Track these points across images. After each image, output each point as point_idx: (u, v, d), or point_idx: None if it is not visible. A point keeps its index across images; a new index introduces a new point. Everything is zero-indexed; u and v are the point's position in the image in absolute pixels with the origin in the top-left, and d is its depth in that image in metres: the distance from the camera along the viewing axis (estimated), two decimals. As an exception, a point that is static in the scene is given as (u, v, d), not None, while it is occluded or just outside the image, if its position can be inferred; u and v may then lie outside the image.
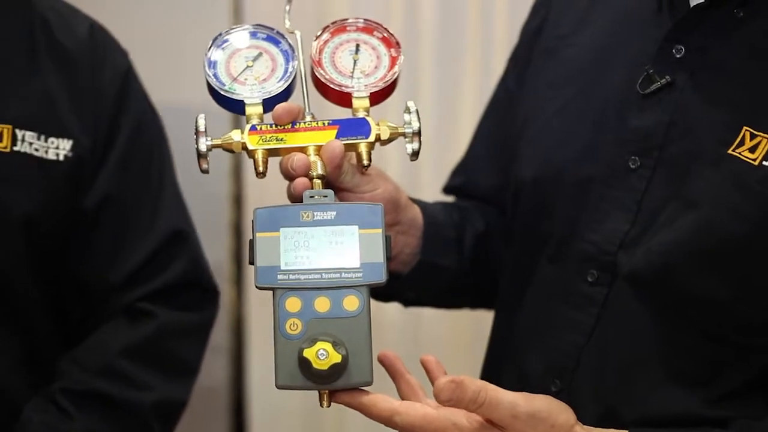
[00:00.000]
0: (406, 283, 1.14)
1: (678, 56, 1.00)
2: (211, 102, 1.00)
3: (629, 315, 0.98)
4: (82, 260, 1.22)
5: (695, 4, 0.99)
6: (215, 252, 2.27)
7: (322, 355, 0.83)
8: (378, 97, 0.98)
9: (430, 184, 2.13)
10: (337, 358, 0.83)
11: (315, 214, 0.89)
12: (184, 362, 1.28)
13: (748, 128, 0.94)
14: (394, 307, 2.13)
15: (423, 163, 2.13)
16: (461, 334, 2.19)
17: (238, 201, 2.27)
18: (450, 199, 1.32)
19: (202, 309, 1.31)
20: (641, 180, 0.99)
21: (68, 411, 1.17)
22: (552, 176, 1.07)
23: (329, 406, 0.88)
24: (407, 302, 1.23)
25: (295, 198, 0.93)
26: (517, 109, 1.17)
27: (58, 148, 1.18)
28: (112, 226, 1.23)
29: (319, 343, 0.84)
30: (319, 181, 0.92)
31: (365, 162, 0.95)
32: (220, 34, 0.98)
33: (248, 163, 2.27)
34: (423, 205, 1.16)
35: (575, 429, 0.86)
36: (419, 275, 1.14)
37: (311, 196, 0.90)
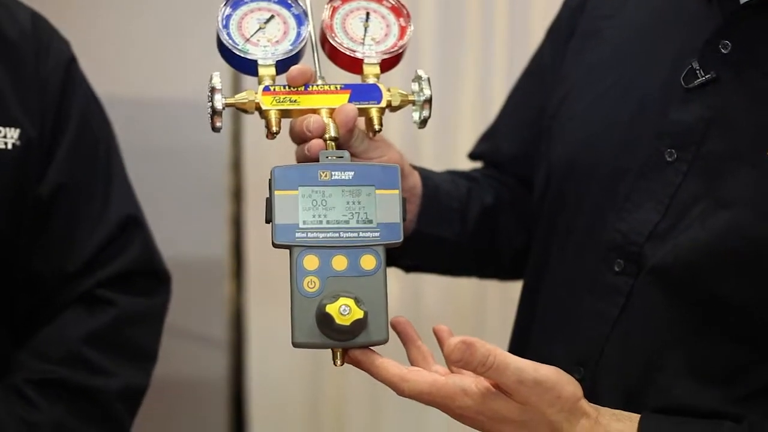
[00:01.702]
0: (402, 250, 1.15)
1: (724, 52, 0.98)
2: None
3: (653, 309, 0.97)
4: (36, 250, 1.21)
5: (745, 1, 0.98)
6: (214, 245, 2.29)
7: (345, 310, 0.84)
8: (387, 64, 0.99)
9: (430, 158, 2.14)
10: (359, 314, 0.84)
11: (333, 173, 0.89)
12: (143, 348, 1.27)
13: None
14: (394, 289, 2.15)
15: (424, 138, 2.13)
16: (462, 312, 2.20)
17: (237, 195, 2.27)
18: (476, 165, 1.32)
19: (157, 295, 1.29)
20: (677, 174, 0.98)
21: (34, 401, 1.16)
22: (587, 164, 1.07)
23: (342, 364, 0.88)
24: (406, 268, 1.23)
25: (309, 160, 0.93)
26: (555, 86, 1.16)
27: (6, 137, 1.17)
28: (66, 214, 1.22)
29: (341, 298, 0.84)
30: (332, 143, 0.93)
31: (377, 127, 0.96)
32: None
33: (248, 157, 2.28)
34: (426, 174, 1.16)
35: (580, 404, 0.87)
36: (415, 244, 1.14)
37: (327, 157, 0.91)
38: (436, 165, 2.03)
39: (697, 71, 0.99)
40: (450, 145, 2.13)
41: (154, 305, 1.29)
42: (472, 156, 1.32)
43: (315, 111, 0.95)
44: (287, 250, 0.89)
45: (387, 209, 0.89)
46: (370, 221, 0.89)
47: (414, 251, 1.15)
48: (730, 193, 0.94)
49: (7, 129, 1.18)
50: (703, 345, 0.95)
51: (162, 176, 2.07)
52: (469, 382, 0.86)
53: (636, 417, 0.91)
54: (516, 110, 1.28)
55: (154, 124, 2.15)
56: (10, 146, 1.18)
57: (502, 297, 2.10)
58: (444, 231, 1.17)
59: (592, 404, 0.89)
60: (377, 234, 0.89)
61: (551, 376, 0.86)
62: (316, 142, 0.92)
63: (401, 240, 0.89)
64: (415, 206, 1.13)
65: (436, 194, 1.16)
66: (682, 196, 0.98)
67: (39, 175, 1.20)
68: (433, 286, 2.18)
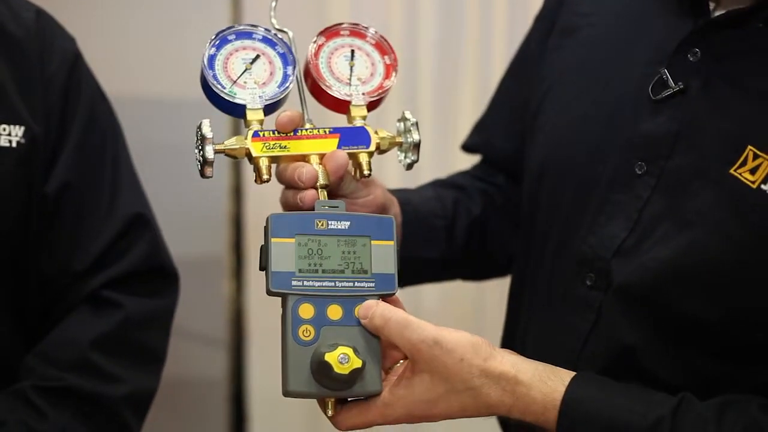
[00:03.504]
0: None
1: (693, 60, 0.99)
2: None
3: (621, 326, 0.98)
4: (43, 249, 1.21)
5: (717, 15, 0.99)
6: (215, 244, 2.28)
7: (344, 359, 0.84)
8: (374, 104, 0.99)
9: (428, 157, 2.12)
10: (357, 363, 0.84)
11: (329, 223, 0.90)
12: (151, 350, 1.27)
13: (752, 148, 0.93)
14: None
15: (423, 164, 2.12)
16: (462, 312, 2.19)
17: (237, 193, 2.27)
18: (473, 158, 1.31)
19: (165, 295, 1.29)
20: (645, 188, 0.99)
21: (42, 409, 1.16)
22: (559, 168, 1.08)
23: (334, 414, 0.88)
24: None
25: (300, 208, 0.93)
26: (537, 80, 1.16)
27: (10, 135, 1.17)
28: (72, 212, 1.22)
29: (340, 347, 0.85)
30: (324, 190, 0.93)
31: (366, 172, 0.96)
32: (216, 35, 0.97)
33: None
34: (406, 199, 1.16)
35: (490, 364, 0.87)
36: (402, 268, 1.15)
37: (323, 206, 0.91)
38: (435, 162, 2.06)
39: (666, 80, 0.99)
40: (449, 143, 2.12)
41: (162, 306, 1.28)
42: (465, 148, 1.32)
43: (305, 157, 0.94)
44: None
45: (382, 260, 0.90)
46: (365, 271, 0.89)
47: (403, 274, 1.15)
48: (691, 213, 0.94)
49: (12, 127, 1.17)
50: (674, 361, 0.95)
51: (162, 174, 2.07)
52: (386, 393, 0.88)
53: (567, 377, 0.90)
54: (506, 100, 1.28)
55: (153, 122, 2.15)
56: (15, 144, 1.17)
57: (502, 298, 2.08)
58: (430, 252, 1.18)
59: (509, 359, 0.88)
60: (372, 284, 0.89)
61: (451, 338, 0.86)
62: (310, 194, 0.92)
63: (395, 291, 0.90)
64: (399, 233, 1.12)
65: (417, 217, 1.16)
66: (649, 212, 0.98)
67: (45, 174, 1.20)
68: (432, 286, 2.17)
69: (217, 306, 2.28)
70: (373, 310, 0.87)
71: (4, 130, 1.17)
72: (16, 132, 1.17)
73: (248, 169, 2.27)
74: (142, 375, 1.24)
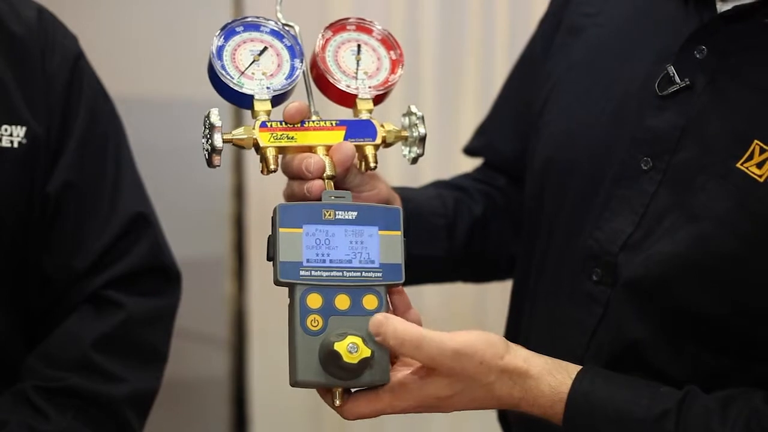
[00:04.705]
0: None
1: (699, 57, 0.99)
2: (214, 97, 1.00)
3: (628, 320, 0.98)
4: (45, 249, 1.21)
5: (723, 11, 0.99)
6: (216, 244, 2.29)
7: (353, 348, 0.84)
8: (379, 98, 0.99)
9: (430, 157, 2.12)
10: (367, 352, 0.84)
11: (337, 213, 0.90)
12: (153, 350, 1.26)
13: (758, 142, 0.93)
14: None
15: (424, 163, 2.12)
16: (462, 312, 2.20)
17: (239, 193, 2.27)
18: (476, 161, 1.31)
19: (167, 294, 1.29)
20: (652, 183, 0.99)
21: (43, 410, 1.15)
22: (564, 164, 1.08)
23: (342, 404, 0.89)
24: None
25: (306, 199, 0.93)
26: (542, 80, 1.16)
27: (12, 135, 1.17)
28: (74, 212, 1.22)
29: (349, 337, 0.85)
30: (330, 181, 0.94)
31: (372, 165, 0.96)
32: (225, 26, 0.97)
33: (249, 156, 2.28)
34: (409, 196, 1.16)
35: (505, 361, 0.87)
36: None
37: (330, 197, 0.92)
38: (437, 164, 2.06)
39: (673, 76, 0.99)
40: (451, 144, 2.12)
41: (164, 305, 1.28)
42: (467, 151, 1.32)
43: (311, 148, 0.95)
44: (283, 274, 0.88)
45: (389, 250, 0.90)
46: (373, 261, 0.89)
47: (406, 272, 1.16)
48: (698, 207, 0.94)
49: (13, 127, 1.17)
50: (680, 355, 0.96)
51: (163, 175, 2.07)
52: (397, 384, 0.87)
53: (574, 371, 0.91)
54: (509, 103, 1.28)
55: (155, 123, 2.15)
56: (16, 145, 1.17)
57: (503, 297, 2.08)
58: (432, 250, 1.18)
59: (521, 353, 0.89)
60: (380, 274, 0.89)
61: (469, 343, 0.86)
62: (317, 184, 0.93)
63: (402, 281, 0.90)
64: None
65: (419, 215, 1.16)
66: (655, 207, 0.98)
67: (47, 173, 1.20)
68: (433, 286, 2.17)
69: (218, 306, 2.29)
70: (384, 328, 0.85)
71: (6, 130, 1.17)
72: (18, 132, 1.17)
73: (249, 168, 2.28)
74: (143, 375, 1.23)
